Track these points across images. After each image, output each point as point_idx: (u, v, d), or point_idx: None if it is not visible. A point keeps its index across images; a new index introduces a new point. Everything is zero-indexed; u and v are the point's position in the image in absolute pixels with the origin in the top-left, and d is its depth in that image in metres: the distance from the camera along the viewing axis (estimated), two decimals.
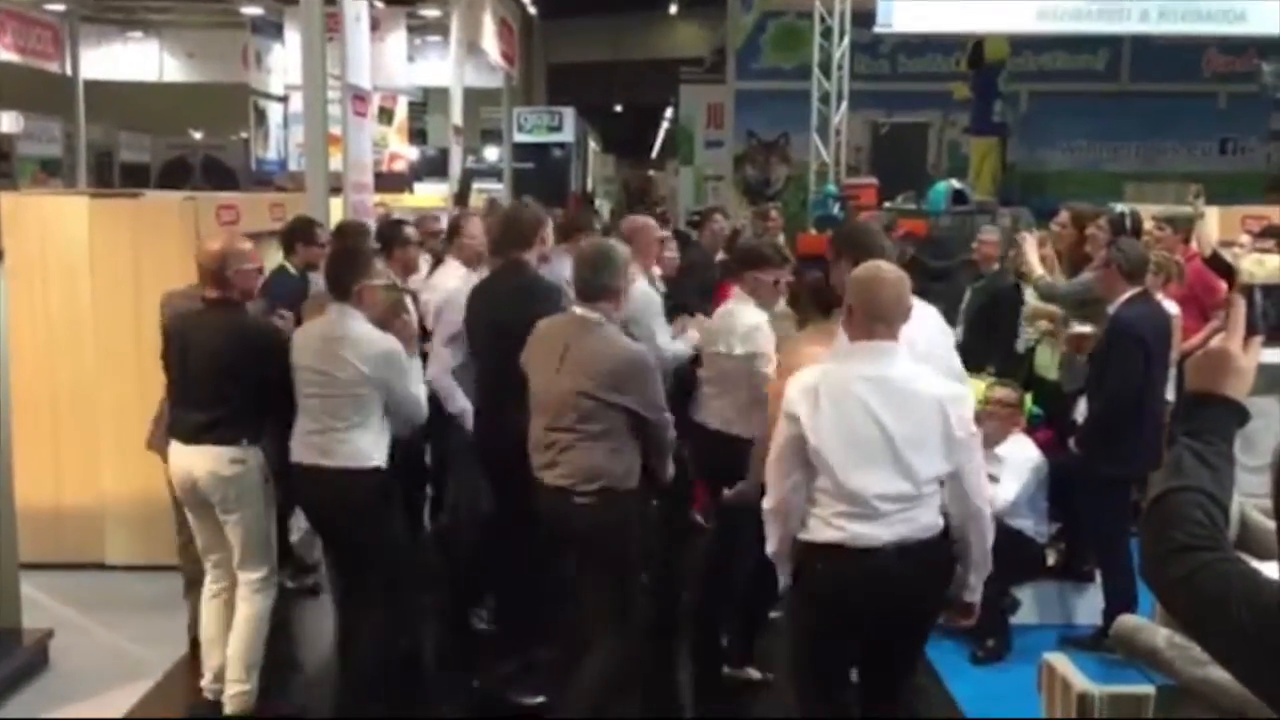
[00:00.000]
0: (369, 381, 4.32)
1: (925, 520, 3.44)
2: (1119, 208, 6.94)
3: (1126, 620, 3.24)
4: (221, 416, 4.34)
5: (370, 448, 4.36)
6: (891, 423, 3.37)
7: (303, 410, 4.39)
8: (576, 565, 4.31)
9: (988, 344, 6.71)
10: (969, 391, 3.51)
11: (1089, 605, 5.53)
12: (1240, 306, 1.81)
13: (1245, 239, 6.68)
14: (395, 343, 4.42)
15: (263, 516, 4.45)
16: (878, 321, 3.43)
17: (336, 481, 4.35)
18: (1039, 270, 6.26)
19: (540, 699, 4.67)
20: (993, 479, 5.46)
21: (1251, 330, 1.80)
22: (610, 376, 4.03)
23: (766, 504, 3.53)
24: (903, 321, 3.48)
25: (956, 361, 4.19)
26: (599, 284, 4.13)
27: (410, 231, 6.18)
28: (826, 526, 3.40)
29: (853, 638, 3.57)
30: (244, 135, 19.58)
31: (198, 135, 22.49)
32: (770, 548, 3.56)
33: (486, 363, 4.87)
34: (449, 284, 5.51)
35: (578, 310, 4.17)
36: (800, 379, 3.48)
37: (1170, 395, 5.73)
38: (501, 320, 4.68)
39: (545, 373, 4.14)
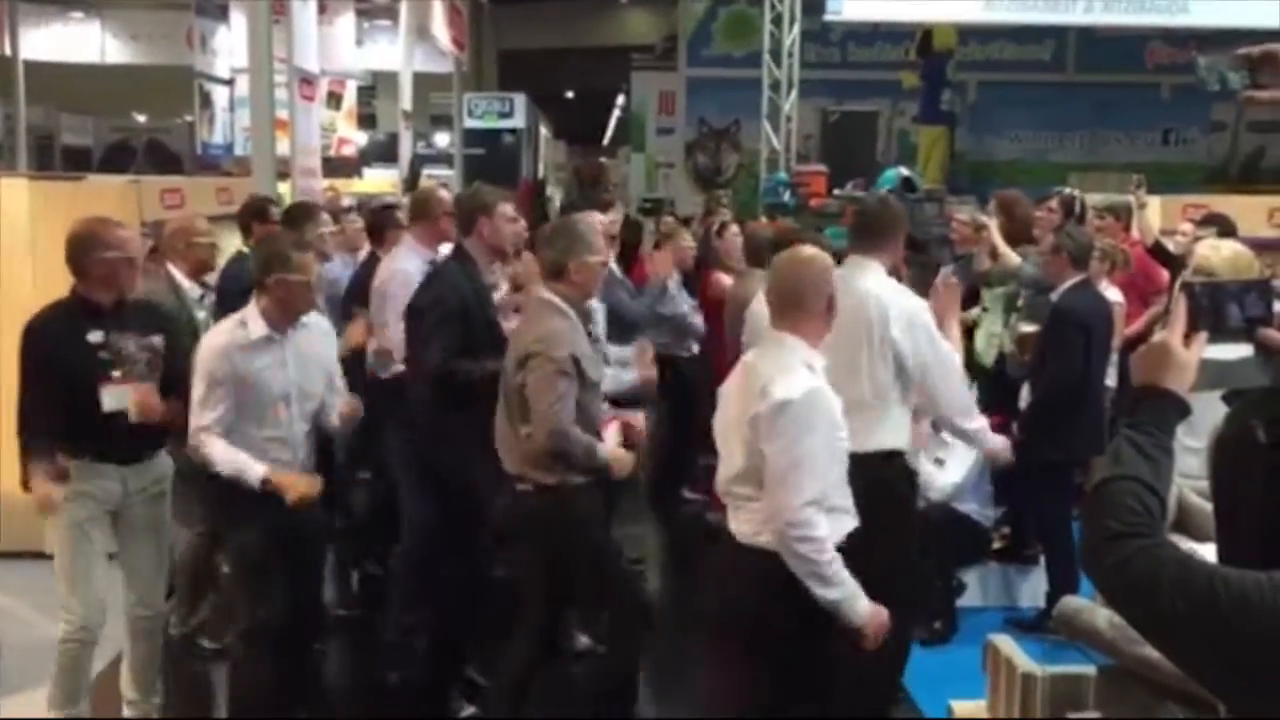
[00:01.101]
0: None
1: (741, 527, 3.35)
2: (1069, 191, 6.99)
3: (1069, 602, 3.30)
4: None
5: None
6: (729, 411, 3.40)
7: None
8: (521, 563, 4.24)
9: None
10: (795, 398, 3.19)
11: (1033, 588, 5.62)
12: (1182, 302, 1.84)
13: (1187, 227, 6.78)
14: (210, 348, 3.99)
15: (59, 553, 4.13)
16: (789, 308, 3.34)
17: None
18: (1015, 258, 6.25)
19: (472, 710, 4.60)
20: (939, 463, 5.54)
21: (1193, 327, 1.83)
22: (520, 357, 3.87)
23: None
24: (820, 310, 3.34)
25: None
26: (549, 261, 3.99)
27: (400, 216, 6.20)
28: None
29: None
30: (189, 119, 19.29)
31: (141, 118, 22.12)
32: None
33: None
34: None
35: (542, 295, 4.00)
36: None
37: (1111, 381, 5.82)
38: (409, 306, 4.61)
39: (507, 373, 4.01)
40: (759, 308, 4.85)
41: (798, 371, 3.24)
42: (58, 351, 4.01)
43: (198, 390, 3.96)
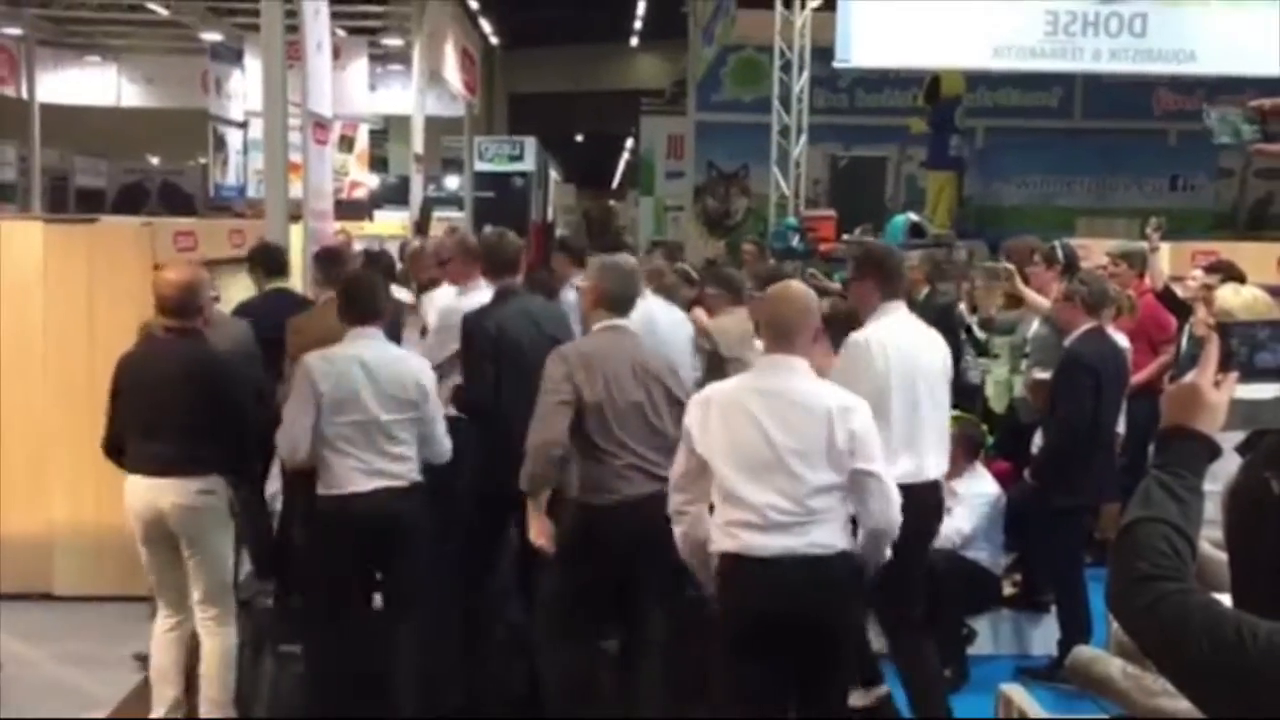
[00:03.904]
0: (428, 402, 4.48)
1: (820, 538, 3.49)
2: (1051, 245, 6.99)
3: (1082, 651, 3.28)
4: (193, 448, 4.31)
5: (415, 464, 4.51)
6: (777, 434, 3.47)
7: (347, 440, 4.33)
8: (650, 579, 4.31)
9: None
10: (863, 406, 3.58)
11: (1045, 635, 5.56)
12: (1214, 343, 1.84)
13: (1197, 273, 6.76)
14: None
15: (228, 550, 4.48)
16: (780, 338, 3.61)
17: (402, 501, 4.42)
18: (1044, 302, 6.15)
19: None
20: (947, 511, 5.50)
21: (1224, 367, 1.83)
22: (676, 378, 4.35)
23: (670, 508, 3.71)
24: (808, 338, 3.64)
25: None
26: (631, 296, 4.41)
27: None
28: (723, 536, 3.55)
29: (766, 653, 3.57)
30: (202, 161, 19.47)
31: (155, 160, 22.32)
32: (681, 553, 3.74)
33: (510, 385, 4.79)
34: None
35: (620, 323, 4.31)
36: (696, 396, 3.74)
37: (1121, 428, 5.80)
38: (526, 341, 4.82)
39: (625, 392, 4.18)
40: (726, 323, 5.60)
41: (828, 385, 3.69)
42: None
43: None
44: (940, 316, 7.28)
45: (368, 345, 4.44)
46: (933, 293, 7.52)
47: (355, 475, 4.33)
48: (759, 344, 4.89)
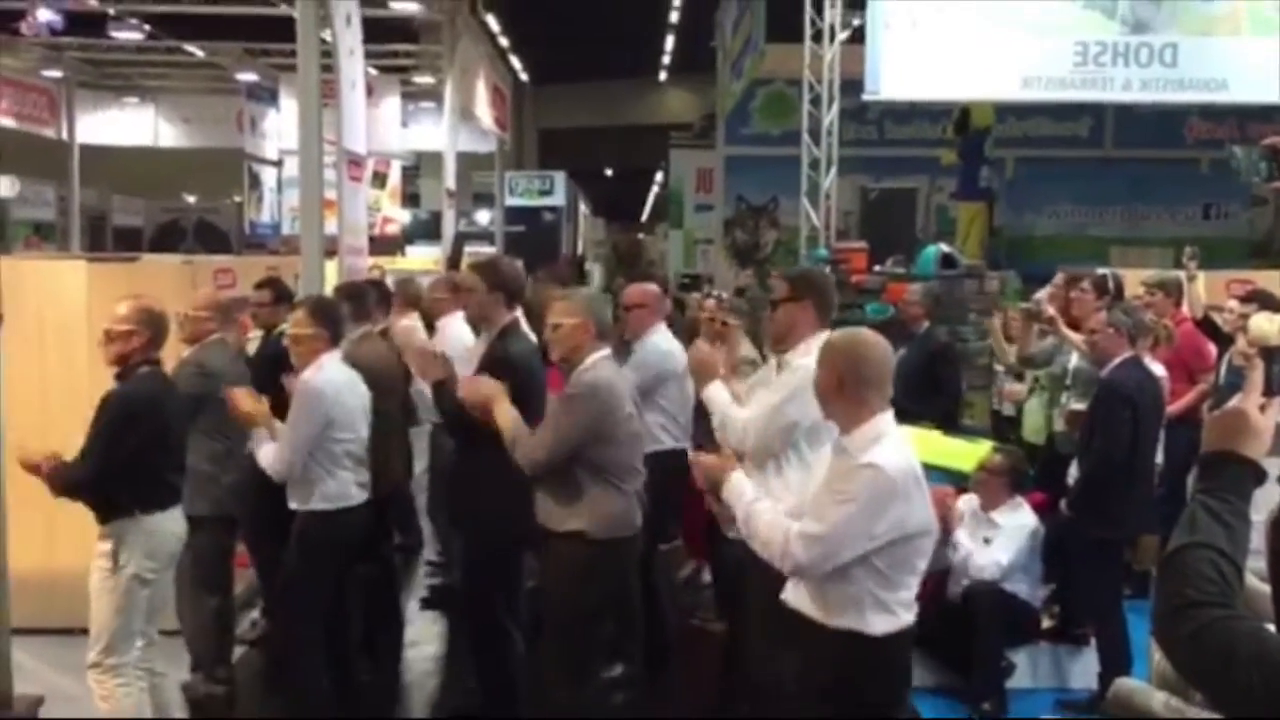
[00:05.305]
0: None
1: None
2: (1100, 271, 7.01)
3: (1123, 683, 3.26)
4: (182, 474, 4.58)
5: None
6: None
7: (349, 455, 4.70)
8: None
9: (927, 401, 6.78)
10: None
11: (1084, 668, 5.51)
12: (1258, 368, 1.85)
13: (1233, 304, 6.72)
14: None
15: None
16: (873, 389, 3.16)
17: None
18: (1076, 338, 6.15)
19: None
20: (986, 542, 5.48)
21: (1269, 392, 1.83)
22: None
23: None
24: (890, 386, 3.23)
25: None
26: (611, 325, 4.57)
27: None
28: (879, 618, 3.10)
29: None
30: (237, 199, 19.75)
31: (191, 199, 22.64)
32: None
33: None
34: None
35: (609, 352, 4.36)
36: (888, 479, 3.04)
37: (1159, 458, 5.76)
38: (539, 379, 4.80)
39: (634, 420, 4.40)
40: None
41: None
42: None
43: None
44: (939, 353, 7.33)
45: (342, 368, 4.76)
46: (931, 329, 7.55)
47: (354, 489, 4.72)
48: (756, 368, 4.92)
